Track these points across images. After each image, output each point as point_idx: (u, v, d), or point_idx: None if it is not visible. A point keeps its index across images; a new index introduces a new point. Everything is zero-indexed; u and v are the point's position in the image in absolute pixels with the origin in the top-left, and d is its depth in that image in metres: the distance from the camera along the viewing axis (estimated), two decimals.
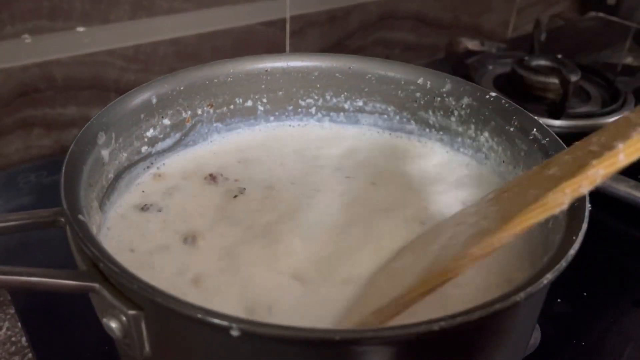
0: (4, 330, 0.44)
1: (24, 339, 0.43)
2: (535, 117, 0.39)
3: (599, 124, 0.68)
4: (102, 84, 0.64)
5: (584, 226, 0.30)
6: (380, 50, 0.84)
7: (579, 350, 0.43)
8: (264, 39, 0.72)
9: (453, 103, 0.43)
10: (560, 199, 0.27)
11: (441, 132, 0.46)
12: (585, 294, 0.47)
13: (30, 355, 0.42)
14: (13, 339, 0.43)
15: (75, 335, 0.42)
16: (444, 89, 0.44)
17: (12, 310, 0.45)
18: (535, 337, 0.41)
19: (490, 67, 0.77)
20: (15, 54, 0.57)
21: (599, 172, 0.26)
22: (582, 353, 0.43)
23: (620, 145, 0.26)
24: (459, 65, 0.77)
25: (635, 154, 0.26)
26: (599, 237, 0.49)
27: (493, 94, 0.42)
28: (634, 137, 0.26)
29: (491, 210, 0.31)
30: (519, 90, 0.70)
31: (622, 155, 0.26)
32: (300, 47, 0.75)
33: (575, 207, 0.32)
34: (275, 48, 0.74)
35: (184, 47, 0.67)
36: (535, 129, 0.38)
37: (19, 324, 0.44)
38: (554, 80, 0.71)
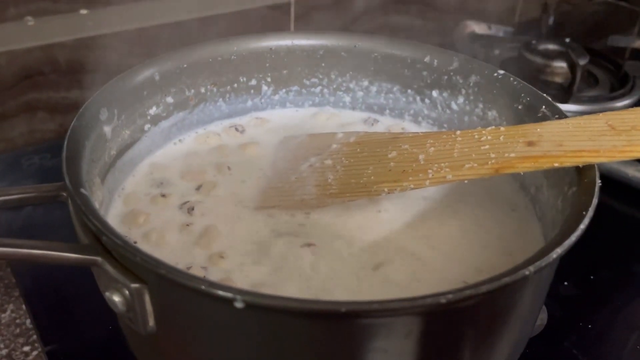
0: (8, 312, 0.44)
1: (28, 321, 0.43)
2: (544, 95, 0.38)
3: (607, 108, 0.67)
4: (106, 67, 0.63)
5: (594, 201, 0.30)
6: (387, 35, 0.83)
7: (585, 332, 0.43)
8: (269, 23, 0.72)
9: (461, 81, 0.43)
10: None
11: (448, 111, 0.45)
12: (592, 277, 0.47)
13: (35, 337, 0.42)
14: (17, 321, 0.43)
15: (80, 317, 0.42)
16: (451, 67, 0.43)
17: (17, 293, 0.45)
18: (542, 318, 0.41)
19: (498, 51, 0.77)
20: (18, 37, 0.57)
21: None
22: (588, 336, 0.42)
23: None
24: (465, 49, 0.76)
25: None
26: (606, 220, 0.48)
27: (501, 71, 0.41)
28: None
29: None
30: (526, 74, 0.69)
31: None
32: (302, 30, 0.75)
33: (585, 182, 0.31)
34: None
35: (188, 31, 0.66)
36: (544, 107, 0.38)
37: (24, 306, 0.44)
38: (562, 64, 0.70)
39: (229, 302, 0.24)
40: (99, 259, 0.27)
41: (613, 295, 0.46)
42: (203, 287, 0.24)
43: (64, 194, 0.32)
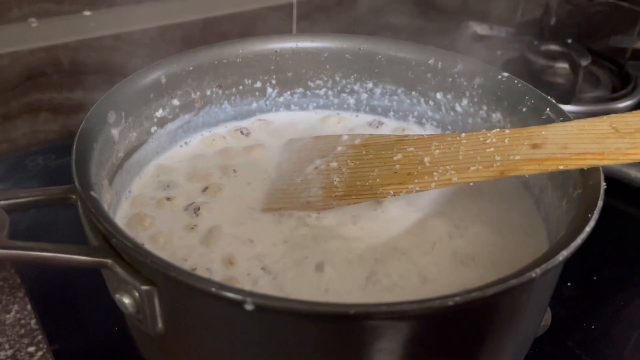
0: (12, 313, 0.44)
1: (33, 321, 0.43)
2: (548, 97, 0.39)
3: (609, 109, 0.68)
4: (109, 68, 0.63)
5: (600, 203, 0.30)
6: (389, 35, 0.83)
7: (588, 333, 0.43)
8: (271, 24, 0.72)
9: (465, 83, 0.43)
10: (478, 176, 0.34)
11: (452, 113, 0.45)
12: (595, 277, 0.47)
13: (40, 337, 0.42)
14: (22, 321, 0.43)
15: (85, 317, 0.42)
16: (455, 70, 0.43)
17: (22, 294, 0.45)
18: (546, 319, 0.41)
19: (499, 52, 0.77)
20: (21, 38, 0.57)
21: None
22: (591, 336, 0.43)
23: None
24: (467, 50, 0.76)
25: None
26: (609, 221, 0.48)
27: (505, 74, 0.42)
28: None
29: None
30: (528, 75, 0.69)
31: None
32: (307, 32, 0.75)
33: (590, 184, 0.31)
34: (282, 33, 0.73)
35: (190, 32, 0.66)
36: (548, 109, 0.38)
37: (29, 306, 0.44)
38: (564, 65, 0.70)
39: (239, 304, 0.24)
40: (109, 261, 0.27)
41: (616, 295, 0.46)
42: (213, 289, 0.24)
43: (73, 197, 0.32)
